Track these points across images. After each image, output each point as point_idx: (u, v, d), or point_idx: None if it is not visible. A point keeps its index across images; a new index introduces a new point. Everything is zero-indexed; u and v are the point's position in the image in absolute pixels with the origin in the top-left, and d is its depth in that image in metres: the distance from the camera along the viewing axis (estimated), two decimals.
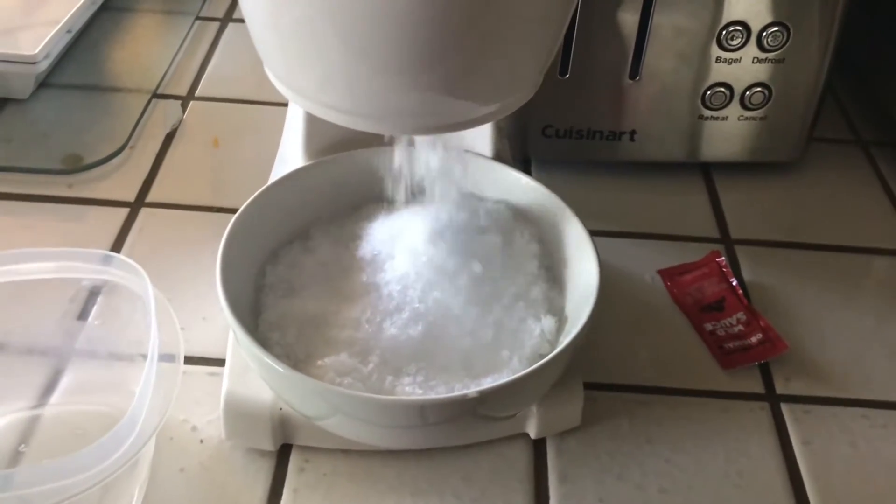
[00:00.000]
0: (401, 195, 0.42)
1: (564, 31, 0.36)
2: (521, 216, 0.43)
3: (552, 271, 0.42)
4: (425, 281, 0.38)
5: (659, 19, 0.51)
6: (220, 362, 0.42)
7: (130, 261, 0.40)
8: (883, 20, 0.62)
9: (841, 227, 0.56)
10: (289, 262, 0.41)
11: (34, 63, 0.56)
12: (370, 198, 0.43)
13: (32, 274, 0.40)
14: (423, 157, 0.41)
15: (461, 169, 0.41)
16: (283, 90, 0.35)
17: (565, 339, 0.36)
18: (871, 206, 0.58)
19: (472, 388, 0.34)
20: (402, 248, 0.39)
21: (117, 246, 0.51)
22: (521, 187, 0.43)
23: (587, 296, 0.37)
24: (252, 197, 0.41)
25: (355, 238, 0.41)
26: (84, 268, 0.41)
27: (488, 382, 0.35)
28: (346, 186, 0.44)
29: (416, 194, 0.42)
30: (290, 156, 0.45)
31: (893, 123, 0.60)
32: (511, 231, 0.42)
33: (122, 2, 0.70)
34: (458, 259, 0.39)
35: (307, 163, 0.43)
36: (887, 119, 0.61)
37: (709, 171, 0.59)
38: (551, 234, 0.42)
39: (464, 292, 0.38)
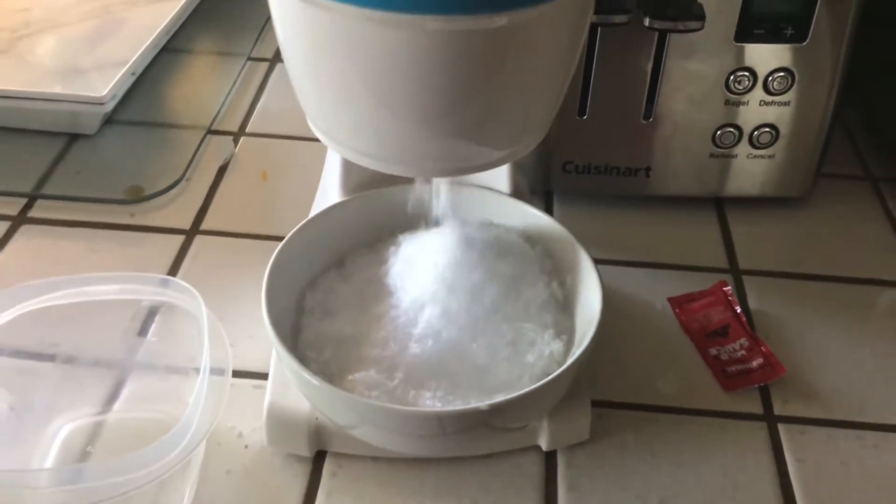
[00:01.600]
0: (424, 226, 0.47)
1: (566, 86, 0.40)
2: (533, 246, 0.47)
3: (562, 297, 0.46)
4: (444, 305, 0.42)
5: (670, 65, 0.55)
6: (264, 376, 0.47)
7: (186, 283, 0.45)
8: (891, 60, 0.66)
9: (846, 260, 0.59)
10: (326, 288, 0.46)
11: (102, 104, 0.61)
12: (398, 229, 0.48)
13: (100, 295, 0.46)
14: (445, 191, 0.45)
15: (478, 202, 0.46)
16: (321, 137, 0.40)
17: (569, 360, 0.40)
18: (876, 241, 0.61)
19: (485, 402, 0.39)
20: (425, 274, 0.44)
21: (174, 269, 0.56)
22: (534, 220, 0.48)
23: (591, 321, 0.41)
24: (294, 230, 0.46)
25: (384, 265, 0.46)
26: (144, 290, 0.47)
27: (500, 398, 0.39)
28: (377, 219, 0.48)
29: (439, 224, 0.47)
30: (329, 191, 0.50)
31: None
32: (524, 260, 0.46)
33: (180, 44, 0.76)
34: (475, 284, 0.43)
35: (343, 198, 0.48)
36: (890, 148, 0.64)
37: (721, 205, 0.63)
38: (561, 262, 0.47)
39: (480, 315, 0.43)
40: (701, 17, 0.52)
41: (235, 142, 0.68)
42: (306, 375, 0.38)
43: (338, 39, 0.34)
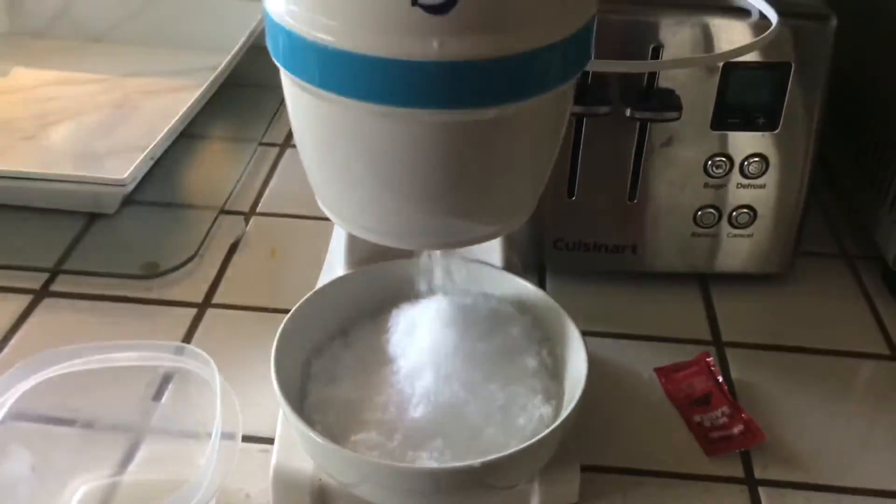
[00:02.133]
0: (423, 297, 0.50)
1: (550, 167, 0.44)
2: (524, 315, 0.51)
3: (551, 364, 0.49)
4: (441, 372, 0.45)
5: (652, 151, 0.59)
6: (270, 441, 0.50)
7: (200, 351, 0.48)
8: (861, 144, 0.70)
9: (823, 334, 0.62)
10: (330, 355, 0.49)
11: (123, 185, 0.66)
12: (399, 300, 0.51)
13: (119, 362, 0.49)
14: (443, 265, 0.49)
15: (473, 275, 0.49)
16: (329, 214, 0.43)
17: (556, 422, 0.43)
18: (853, 316, 0.64)
19: (478, 461, 0.41)
20: (422, 343, 0.47)
21: (186, 340, 0.60)
22: (524, 291, 0.51)
23: (577, 385, 0.45)
24: (301, 301, 0.49)
25: (385, 334, 0.49)
26: (161, 357, 0.50)
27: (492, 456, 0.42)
28: (379, 291, 0.52)
29: (437, 295, 0.50)
30: (335, 265, 0.53)
31: (873, 240, 0.67)
32: (515, 329, 0.49)
33: (196, 130, 0.80)
34: (469, 352, 0.46)
35: (347, 272, 0.52)
36: (869, 236, 0.67)
37: (705, 280, 0.66)
38: (550, 331, 0.50)
39: (474, 381, 0.46)
40: (678, 108, 0.57)
41: (246, 221, 0.72)
42: (312, 435, 0.41)
43: (344, 129, 0.38)
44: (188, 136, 0.79)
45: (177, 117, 0.74)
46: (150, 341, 0.50)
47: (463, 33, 0.35)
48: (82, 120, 0.80)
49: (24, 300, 0.62)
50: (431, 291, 0.50)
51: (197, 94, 0.79)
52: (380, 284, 0.52)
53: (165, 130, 0.72)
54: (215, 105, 0.83)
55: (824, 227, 0.73)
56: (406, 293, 0.51)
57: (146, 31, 0.93)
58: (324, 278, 0.55)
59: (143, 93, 0.85)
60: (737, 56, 0.51)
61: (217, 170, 0.78)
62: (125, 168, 0.68)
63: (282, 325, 0.48)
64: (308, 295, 0.50)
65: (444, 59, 0.35)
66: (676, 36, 0.56)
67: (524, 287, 0.51)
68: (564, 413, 0.43)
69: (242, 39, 0.87)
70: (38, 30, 0.95)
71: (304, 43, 0.36)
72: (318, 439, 0.41)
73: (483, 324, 0.48)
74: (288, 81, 0.40)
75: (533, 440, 0.41)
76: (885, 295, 0.66)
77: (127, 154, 0.73)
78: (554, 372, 0.48)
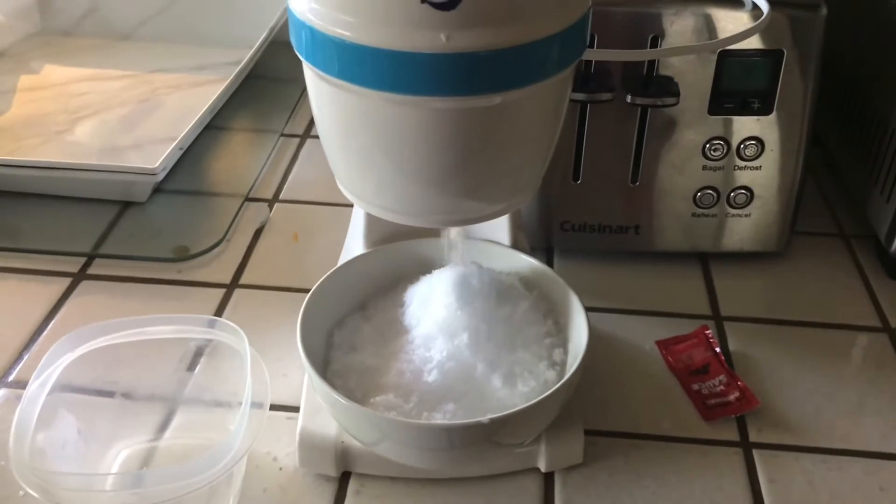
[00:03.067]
0: (436, 274, 0.54)
1: (553, 148, 0.47)
2: (531, 290, 0.54)
3: (556, 333, 0.52)
4: (452, 340, 0.49)
5: (653, 136, 0.63)
6: (296, 409, 0.54)
7: (231, 323, 0.52)
8: (854, 125, 0.73)
9: (818, 308, 0.65)
10: (351, 327, 0.53)
11: (154, 174, 0.70)
12: (413, 275, 0.55)
13: (155, 335, 0.53)
14: (456, 244, 0.53)
15: (484, 253, 0.53)
16: (348, 195, 0.47)
17: (558, 384, 0.46)
18: (846, 291, 0.67)
19: (487, 417, 0.45)
20: (435, 314, 0.50)
21: (217, 316, 0.63)
22: (531, 268, 0.55)
23: (579, 351, 0.48)
24: (322, 278, 0.53)
25: (401, 308, 0.53)
26: (195, 329, 0.54)
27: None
28: (395, 268, 0.56)
29: (449, 271, 0.54)
30: (354, 245, 0.57)
31: (866, 209, 0.70)
32: (523, 301, 0.53)
33: (221, 122, 0.84)
34: (479, 322, 0.50)
35: (366, 251, 0.55)
36: (863, 214, 0.70)
37: (705, 258, 0.70)
38: (555, 304, 0.53)
39: (483, 349, 0.49)
40: (676, 94, 0.60)
41: (270, 207, 0.76)
42: (336, 396, 0.45)
43: (362, 116, 0.42)
44: (213, 127, 0.83)
45: (203, 109, 0.78)
46: (183, 315, 0.54)
47: (468, 27, 0.38)
48: (110, 114, 0.84)
49: (64, 282, 0.67)
50: (444, 268, 0.54)
51: (221, 87, 0.83)
52: (396, 262, 0.56)
53: (193, 122, 0.76)
54: (238, 98, 0.87)
55: (821, 205, 0.76)
56: (420, 270, 0.55)
57: (171, 28, 0.98)
58: (344, 256, 0.59)
59: (169, 87, 0.89)
60: (730, 44, 0.55)
61: (241, 160, 0.82)
62: (155, 159, 0.72)
63: (306, 300, 0.51)
64: (328, 273, 0.54)
65: (452, 51, 0.38)
66: (674, 25, 0.59)
67: (531, 263, 0.55)
68: (567, 375, 0.47)
69: (263, 35, 0.91)
70: (68, 28, 0.99)
71: (324, 38, 0.40)
72: (343, 400, 0.45)
73: (492, 297, 0.51)
74: (310, 73, 0.43)
75: (537, 398, 0.45)
76: (879, 270, 0.69)
77: (154, 146, 0.78)
78: (558, 340, 0.52)
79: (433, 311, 0.51)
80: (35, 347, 0.61)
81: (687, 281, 0.68)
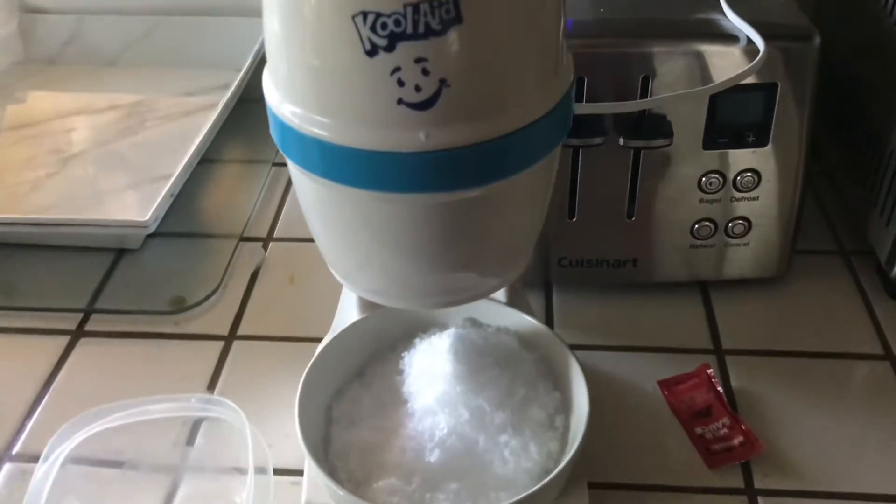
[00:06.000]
0: (434, 334, 0.54)
1: (542, 222, 0.46)
2: (530, 351, 0.54)
3: (558, 399, 0.52)
4: (452, 411, 0.49)
5: (647, 172, 0.62)
6: (300, 472, 0.54)
7: (229, 402, 0.52)
8: (854, 144, 0.72)
9: (821, 335, 0.65)
10: (350, 398, 0.53)
11: (146, 226, 0.69)
12: (411, 337, 0.55)
13: (158, 413, 0.53)
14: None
15: (482, 313, 0.53)
16: (339, 279, 0.47)
17: (562, 462, 0.46)
18: (848, 315, 0.67)
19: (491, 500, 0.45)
20: (434, 383, 0.50)
21: (216, 375, 0.63)
22: (530, 327, 0.54)
23: (580, 425, 0.48)
24: (319, 349, 0.53)
25: (399, 375, 0.53)
26: (194, 406, 0.54)
27: (505, 497, 0.46)
28: (392, 331, 0.55)
29: (447, 333, 0.53)
30: (348, 307, 0.57)
31: (866, 231, 0.69)
32: (523, 365, 0.52)
33: (211, 153, 0.82)
34: (479, 390, 0.49)
35: (361, 315, 0.55)
36: (863, 229, 0.70)
37: (705, 286, 0.69)
38: (554, 367, 0.53)
39: (485, 419, 0.49)
40: (669, 134, 0.59)
41: (265, 247, 0.75)
42: (335, 488, 0.45)
43: (343, 209, 0.42)
44: (203, 160, 0.82)
45: (192, 148, 0.77)
46: (184, 395, 0.54)
47: (447, 124, 0.37)
48: (100, 152, 0.83)
49: (62, 341, 0.66)
50: (441, 330, 0.53)
51: (210, 119, 0.81)
52: (393, 325, 0.55)
53: (182, 165, 0.75)
54: (228, 124, 0.86)
55: (820, 218, 0.76)
56: (418, 329, 0.54)
57: (156, 52, 0.96)
58: (339, 320, 0.59)
59: (158, 118, 0.88)
60: (726, 87, 0.54)
61: (233, 195, 0.81)
62: (147, 203, 0.71)
63: (303, 376, 0.51)
64: (324, 343, 0.53)
65: (432, 149, 0.37)
66: (665, 65, 0.58)
67: (529, 322, 0.54)
68: (569, 454, 0.47)
69: (251, 57, 0.90)
70: (52, 56, 0.98)
71: (302, 137, 0.39)
72: (341, 492, 0.45)
73: (491, 364, 0.51)
74: (291, 164, 0.42)
75: (540, 485, 0.45)
76: (880, 290, 0.68)
77: (147, 185, 0.77)
78: (560, 405, 0.51)
79: (432, 381, 0.50)
80: (37, 415, 0.61)
81: (687, 311, 0.67)
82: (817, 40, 0.58)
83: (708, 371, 0.61)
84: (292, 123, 0.39)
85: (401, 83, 0.36)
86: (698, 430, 0.58)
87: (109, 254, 0.74)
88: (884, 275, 0.67)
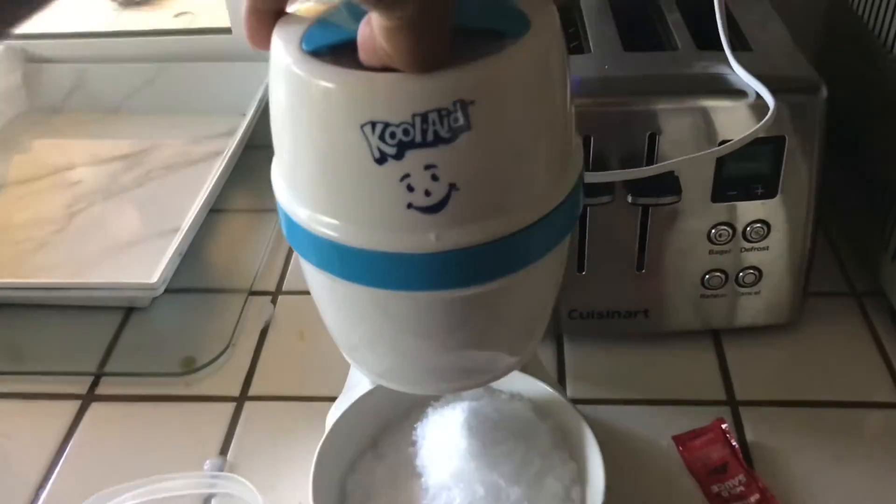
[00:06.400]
0: (448, 402, 0.53)
1: (553, 303, 0.46)
2: (545, 420, 0.53)
3: (573, 468, 0.52)
4: (467, 484, 0.49)
5: (656, 226, 0.61)
6: None
7: (242, 479, 0.52)
8: (865, 189, 0.71)
9: (835, 383, 0.64)
10: (364, 470, 0.53)
11: (154, 289, 0.69)
12: (422, 405, 0.55)
13: (172, 491, 0.53)
14: None
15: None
16: (352, 364, 0.46)
17: None
18: (862, 361, 0.66)
19: None
20: (448, 454, 0.50)
21: (229, 437, 0.63)
22: (545, 395, 0.54)
23: (596, 500, 0.48)
24: (332, 423, 0.53)
25: (412, 447, 0.52)
26: (208, 482, 0.54)
27: None
28: (402, 400, 0.55)
29: (460, 402, 0.53)
30: (359, 377, 0.56)
31: (878, 274, 0.69)
32: (537, 434, 0.52)
33: (218, 203, 0.82)
34: (494, 461, 0.49)
35: (373, 385, 0.55)
36: (875, 269, 0.69)
37: (717, 334, 0.69)
38: (569, 435, 0.53)
39: (500, 491, 0.49)
40: (678, 191, 0.58)
41: (274, 301, 0.75)
42: None
43: (354, 305, 0.41)
44: (210, 210, 0.82)
45: (199, 203, 0.77)
46: (196, 472, 0.54)
47: (457, 225, 0.37)
48: (107, 205, 0.83)
49: (73, 406, 0.66)
50: (453, 402, 0.53)
51: (216, 168, 0.81)
52: (400, 395, 0.55)
53: (189, 222, 0.75)
54: (234, 172, 0.86)
55: (832, 261, 0.75)
56: (430, 399, 0.54)
57: (160, 99, 0.96)
58: (351, 380, 0.59)
59: (163, 168, 0.88)
60: (736, 148, 0.54)
61: (241, 246, 0.81)
62: (154, 261, 0.71)
63: (317, 451, 0.51)
64: (338, 414, 0.53)
65: (442, 250, 0.37)
66: (672, 122, 0.58)
67: (543, 389, 0.54)
68: None
69: (255, 102, 0.90)
70: (56, 105, 0.98)
71: (311, 236, 0.39)
72: None
73: (506, 436, 0.51)
74: (302, 259, 0.42)
75: None
76: (892, 333, 0.68)
77: (155, 241, 0.77)
78: (577, 477, 0.51)
79: (446, 456, 0.50)
80: (51, 485, 0.61)
81: (700, 360, 0.67)
82: (824, 93, 0.58)
83: (723, 426, 0.61)
84: (301, 222, 0.39)
85: (410, 188, 0.35)
86: (714, 488, 0.57)
87: (118, 313, 0.74)
88: None
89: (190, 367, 0.68)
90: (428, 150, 0.34)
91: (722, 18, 0.60)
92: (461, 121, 0.34)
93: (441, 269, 0.38)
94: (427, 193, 0.36)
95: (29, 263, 0.76)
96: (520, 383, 0.55)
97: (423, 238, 0.37)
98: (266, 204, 0.85)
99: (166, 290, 0.74)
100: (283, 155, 0.39)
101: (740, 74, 0.57)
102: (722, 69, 0.59)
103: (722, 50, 0.60)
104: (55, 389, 0.68)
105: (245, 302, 0.74)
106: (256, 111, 0.89)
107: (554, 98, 0.38)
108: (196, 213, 0.76)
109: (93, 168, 0.89)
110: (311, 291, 0.44)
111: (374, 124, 0.34)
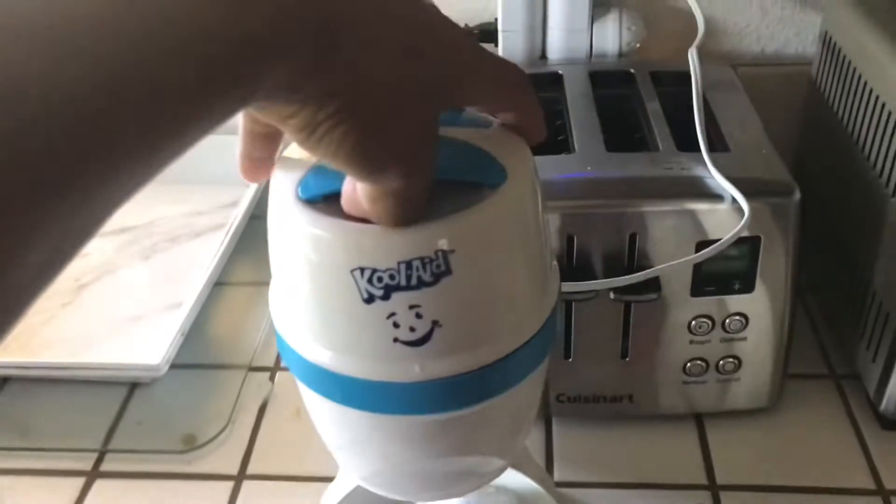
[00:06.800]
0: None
1: (537, 406, 0.49)
2: None
3: None
4: None
5: (638, 319, 0.64)
6: None
7: None
8: (835, 272, 0.74)
9: (813, 469, 0.66)
10: None
11: (157, 370, 0.72)
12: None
13: None
14: None
15: None
16: (335, 458, 0.49)
17: None
18: (841, 447, 0.68)
19: None
20: None
21: None
22: (529, 489, 0.57)
23: None
24: None
25: None
26: None
27: None
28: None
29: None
30: None
31: (855, 361, 0.71)
32: None
33: (220, 276, 0.86)
34: None
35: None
36: (852, 356, 0.72)
37: (700, 417, 0.71)
38: None
39: None
40: (657, 289, 0.61)
41: (272, 377, 0.78)
42: None
43: (343, 422, 0.44)
44: (212, 284, 0.85)
45: (203, 281, 0.80)
46: None
47: (441, 356, 0.39)
48: (114, 279, 0.86)
49: (79, 483, 0.69)
50: None
51: (219, 242, 0.84)
52: None
53: (192, 301, 0.77)
54: (236, 244, 0.89)
55: (812, 342, 0.77)
56: None
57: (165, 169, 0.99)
58: (339, 479, 0.61)
59: (168, 240, 0.91)
60: (713, 254, 0.57)
61: (241, 321, 0.83)
62: (158, 340, 0.74)
63: None
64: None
65: (427, 379, 0.40)
66: (653, 223, 0.60)
67: (529, 485, 0.56)
68: None
69: None
70: None
71: (304, 361, 0.42)
72: None
73: None
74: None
75: None
76: (871, 420, 0.70)
77: (159, 315, 0.80)
78: None
79: None
80: None
81: (683, 444, 0.69)
82: (797, 195, 0.61)
83: None
84: (295, 348, 0.42)
85: (396, 325, 0.38)
86: None
87: (123, 388, 0.76)
88: (873, 405, 0.69)
89: (191, 444, 0.71)
90: (412, 293, 0.37)
91: (701, 125, 0.63)
92: (442, 267, 0.37)
93: (424, 397, 0.40)
94: (412, 329, 0.38)
95: (37, 338, 0.79)
96: (506, 477, 0.57)
97: (409, 368, 0.40)
98: (267, 277, 0.88)
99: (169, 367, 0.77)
100: (280, 286, 0.42)
101: (719, 181, 0.60)
102: (701, 172, 0.62)
103: (700, 151, 0.63)
104: (61, 466, 0.70)
105: (244, 378, 0.77)
106: (260, 183, 0.92)
107: (530, 240, 0.41)
108: (200, 290, 0.79)
109: (100, 240, 0.91)
110: (307, 404, 0.47)
111: (363, 270, 0.37)
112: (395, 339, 0.39)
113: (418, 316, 0.38)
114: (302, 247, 0.39)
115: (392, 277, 0.37)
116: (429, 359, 0.39)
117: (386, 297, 0.38)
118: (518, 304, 0.41)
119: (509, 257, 0.40)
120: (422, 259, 0.37)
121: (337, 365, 0.40)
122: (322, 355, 0.41)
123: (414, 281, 0.37)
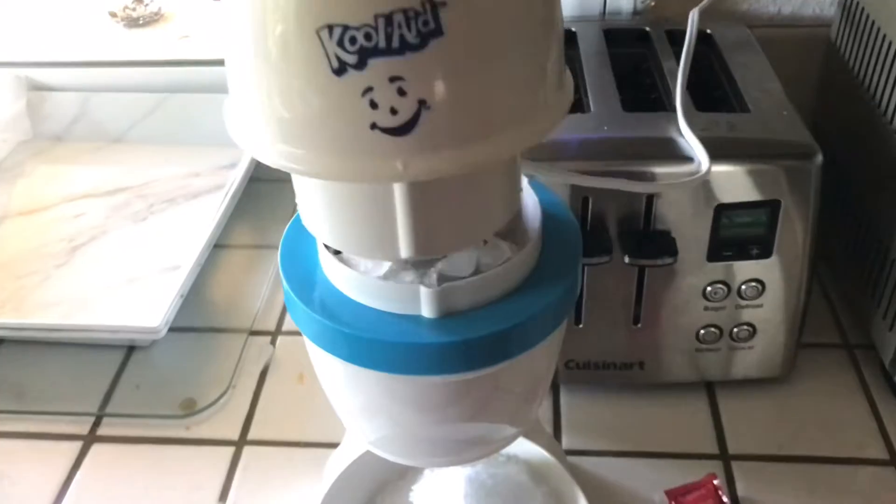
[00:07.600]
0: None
1: (551, 375, 0.47)
2: (539, 485, 0.54)
3: None
4: None
5: (652, 284, 0.62)
6: None
7: None
8: (857, 247, 0.72)
9: (826, 438, 0.65)
10: None
11: (156, 332, 0.70)
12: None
13: None
14: None
15: None
16: (354, 434, 0.47)
17: None
18: (855, 415, 0.67)
19: None
20: None
21: (228, 483, 0.64)
22: (539, 458, 0.55)
23: None
24: (330, 483, 0.53)
25: None
26: None
27: None
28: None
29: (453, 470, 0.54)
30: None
31: (869, 329, 0.70)
32: (531, 500, 0.53)
33: (219, 239, 0.83)
34: None
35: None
36: (866, 324, 0.70)
37: (711, 386, 0.70)
38: (562, 497, 0.54)
39: None
40: (674, 252, 0.59)
41: (273, 341, 0.76)
42: None
43: (356, 383, 0.42)
44: (211, 246, 0.83)
45: (202, 243, 0.78)
46: None
47: (429, 151, 0.32)
48: (108, 240, 0.84)
49: (75, 446, 0.67)
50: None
51: (218, 204, 0.82)
52: None
53: (192, 263, 0.75)
54: (235, 207, 0.86)
55: (825, 311, 0.76)
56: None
57: (162, 129, 0.97)
58: (350, 438, 0.59)
59: (164, 202, 0.89)
60: (664, 189, 0.56)
61: (242, 284, 0.82)
62: (157, 301, 0.72)
63: None
64: (337, 474, 0.54)
65: (412, 181, 0.33)
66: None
67: (540, 454, 0.55)
68: None
69: None
70: (59, 134, 0.99)
71: (318, 321, 0.40)
72: None
73: (500, 497, 0.52)
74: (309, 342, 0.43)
75: None
76: (884, 388, 0.69)
77: (157, 277, 0.78)
78: None
79: None
80: None
81: (694, 413, 0.68)
82: (819, 158, 0.59)
83: (714, 482, 0.62)
84: (255, 153, 0.35)
85: (374, 105, 0.31)
86: None
87: (120, 351, 0.74)
88: (888, 375, 0.68)
89: (190, 409, 0.69)
90: (393, 60, 0.30)
91: (683, 86, 0.61)
92: (431, 24, 0.30)
93: (442, 358, 0.39)
94: (393, 111, 0.31)
95: (31, 299, 0.77)
96: (516, 445, 0.56)
97: (388, 165, 0.32)
98: (267, 240, 0.87)
99: (168, 328, 0.75)
100: (234, 73, 0.34)
101: (687, 138, 0.58)
102: (718, 132, 0.60)
103: (719, 111, 0.61)
104: (57, 430, 0.69)
105: (245, 342, 0.75)
106: None
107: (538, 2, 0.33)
108: (199, 252, 0.77)
109: (95, 199, 0.89)
110: (317, 369, 0.45)
111: (331, 28, 0.30)
112: (373, 126, 0.31)
113: (401, 92, 0.30)
114: (259, 6, 0.31)
115: (368, 37, 0.29)
116: (414, 153, 0.31)
117: (361, 64, 0.30)
118: (525, 86, 0.33)
119: (513, 19, 0.31)
120: (405, 11, 0.29)
121: (303, 164, 0.32)
122: (285, 157, 0.33)
123: (395, 42, 0.29)
